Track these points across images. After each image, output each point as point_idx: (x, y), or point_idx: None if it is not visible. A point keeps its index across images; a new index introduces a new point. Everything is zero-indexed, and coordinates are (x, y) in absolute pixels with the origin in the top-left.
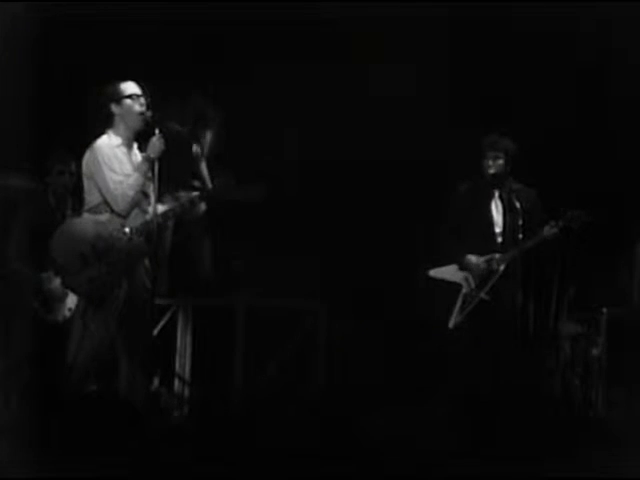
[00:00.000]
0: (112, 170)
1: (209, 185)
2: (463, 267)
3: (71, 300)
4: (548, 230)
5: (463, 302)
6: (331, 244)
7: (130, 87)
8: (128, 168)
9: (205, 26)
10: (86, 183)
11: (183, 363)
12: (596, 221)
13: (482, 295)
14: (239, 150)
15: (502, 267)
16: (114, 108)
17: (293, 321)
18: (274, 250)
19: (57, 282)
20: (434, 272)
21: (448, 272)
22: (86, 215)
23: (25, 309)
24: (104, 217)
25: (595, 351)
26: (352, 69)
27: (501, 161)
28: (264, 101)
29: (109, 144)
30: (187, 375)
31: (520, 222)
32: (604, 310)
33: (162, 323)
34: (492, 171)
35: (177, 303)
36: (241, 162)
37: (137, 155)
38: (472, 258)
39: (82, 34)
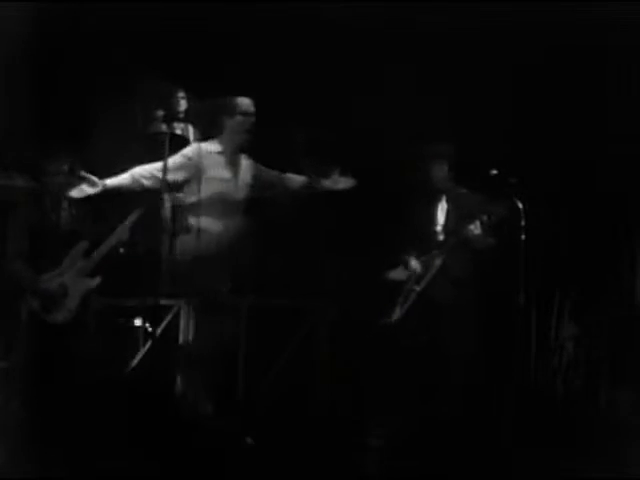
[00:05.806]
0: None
1: None
2: (407, 266)
3: (71, 301)
4: (471, 228)
5: (404, 297)
6: (331, 244)
7: (245, 104)
8: (226, 174)
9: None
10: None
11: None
12: (599, 220)
13: (415, 287)
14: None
15: (438, 262)
16: (226, 120)
17: (294, 321)
18: (277, 250)
19: (57, 283)
20: (392, 274)
21: (398, 272)
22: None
23: (25, 310)
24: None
25: (597, 352)
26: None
27: (445, 167)
28: (264, 100)
29: (209, 149)
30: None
31: (460, 222)
32: (606, 311)
33: (164, 323)
34: (436, 177)
35: (179, 303)
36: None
37: (242, 161)
38: (414, 257)
39: (82, 33)
